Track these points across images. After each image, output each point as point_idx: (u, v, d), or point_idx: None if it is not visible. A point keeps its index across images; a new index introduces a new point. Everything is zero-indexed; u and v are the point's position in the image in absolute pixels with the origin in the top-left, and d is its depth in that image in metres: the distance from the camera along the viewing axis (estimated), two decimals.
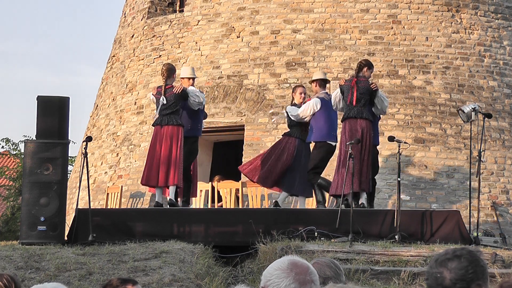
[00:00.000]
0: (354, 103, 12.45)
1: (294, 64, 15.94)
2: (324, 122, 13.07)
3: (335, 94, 12.84)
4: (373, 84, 12.81)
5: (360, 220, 11.54)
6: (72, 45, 66.36)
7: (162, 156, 12.46)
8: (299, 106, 13.30)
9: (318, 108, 13.02)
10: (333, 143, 13.04)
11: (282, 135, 13.54)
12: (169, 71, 12.77)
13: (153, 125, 12.89)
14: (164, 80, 12.73)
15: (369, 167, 12.32)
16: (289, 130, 13.40)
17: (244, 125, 15.87)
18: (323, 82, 13.38)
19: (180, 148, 12.53)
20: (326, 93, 13.33)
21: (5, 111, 59.27)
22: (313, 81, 13.50)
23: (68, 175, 15.88)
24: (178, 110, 12.74)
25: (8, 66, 63.50)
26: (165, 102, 12.53)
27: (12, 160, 28.08)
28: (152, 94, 12.87)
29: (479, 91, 16.05)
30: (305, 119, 13.13)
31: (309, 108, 13.07)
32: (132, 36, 18.35)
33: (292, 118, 13.24)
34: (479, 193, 12.19)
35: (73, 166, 21.27)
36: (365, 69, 12.78)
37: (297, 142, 13.14)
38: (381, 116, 13.40)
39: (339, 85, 12.83)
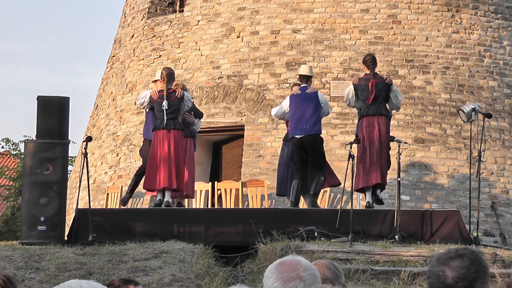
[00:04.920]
0: (371, 101, 12.43)
1: (294, 64, 15.94)
2: (295, 116, 12.98)
3: (348, 90, 12.77)
4: (388, 78, 12.81)
5: (360, 220, 11.54)
6: (72, 45, 66.40)
7: (173, 160, 12.49)
8: None
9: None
10: (298, 136, 12.84)
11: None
12: (170, 76, 12.79)
13: (157, 128, 12.67)
14: (165, 84, 12.71)
15: (386, 161, 12.37)
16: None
17: (244, 125, 15.87)
18: (304, 78, 13.21)
19: (183, 151, 12.69)
20: (305, 87, 13.17)
21: (5, 111, 59.29)
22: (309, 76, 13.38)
23: (68, 175, 15.88)
24: (180, 114, 12.83)
25: (8, 66, 63.53)
26: (167, 107, 12.54)
27: (12, 160, 28.08)
28: (151, 96, 12.79)
29: (479, 91, 16.05)
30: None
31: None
32: (132, 36, 18.35)
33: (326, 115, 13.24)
34: (479, 193, 12.19)
35: (73, 166, 21.27)
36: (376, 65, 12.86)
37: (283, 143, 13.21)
38: (392, 113, 13.39)
39: (353, 84, 12.75)
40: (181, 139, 12.66)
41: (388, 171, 12.72)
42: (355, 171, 12.22)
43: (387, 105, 12.72)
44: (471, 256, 3.53)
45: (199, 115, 13.74)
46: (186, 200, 14.07)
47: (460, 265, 3.49)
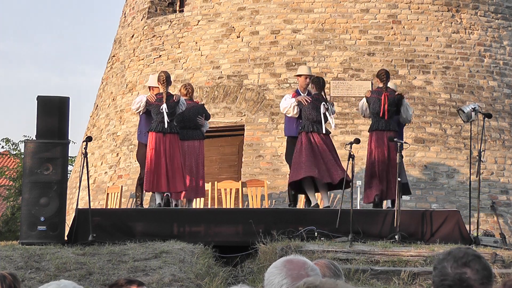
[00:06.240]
0: (381, 115, 12.51)
1: (294, 64, 15.94)
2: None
3: (362, 103, 12.90)
4: (398, 93, 12.87)
5: (360, 220, 11.54)
6: (72, 45, 66.41)
7: (170, 163, 12.54)
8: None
9: None
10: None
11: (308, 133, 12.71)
12: (168, 79, 12.86)
13: (154, 130, 12.68)
14: (164, 87, 12.75)
15: (395, 177, 12.32)
16: (319, 126, 12.66)
17: (244, 125, 15.88)
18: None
19: (179, 154, 12.71)
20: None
21: (5, 111, 59.30)
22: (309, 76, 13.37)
23: (68, 175, 15.88)
24: (175, 117, 12.86)
25: (9, 66, 63.55)
26: (167, 110, 12.57)
27: (12, 160, 28.08)
28: (148, 100, 12.81)
29: (479, 91, 16.05)
30: None
31: None
32: (132, 36, 18.35)
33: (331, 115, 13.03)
34: (479, 193, 12.19)
35: (73, 166, 21.27)
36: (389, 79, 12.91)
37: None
38: (405, 124, 13.38)
39: (366, 97, 12.84)
40: (177, 142, 12.70)
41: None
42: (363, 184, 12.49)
43: (399, 118, 12.80)
44: (484, 257, 3.55)
45: (208, 116, 13.76)
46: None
47: (480, 267, 3.49)
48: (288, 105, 12.73)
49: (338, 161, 12.59)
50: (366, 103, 12.80)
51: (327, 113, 12.58)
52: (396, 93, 12.80)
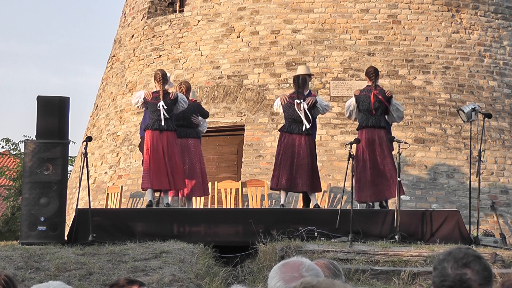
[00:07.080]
0: (373, 112, 12.49)
1: (294, 64, 15.93)
2: None
3: (349, 103, 12.83)
4: (388, 91, 12.85)
5: (360, 220, 11.54)
6: (72, 45, 66.42)
7: (168, 161, 12.54)
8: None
9: None
10: None
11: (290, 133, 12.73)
12: (164, 77, 12.87)
13: (150, 128, 12.68)
14: (161, 85, 12.76)
15: (392, 173, 12.30)
16: (298, 125, 12.69)
17: (244, 125, 15.87)
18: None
19: (177, 152, 12.71)
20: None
21: (5, 111, 59.30)
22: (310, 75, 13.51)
23: (68, 175, 15.88)
24: (173, 115, 12.85)
25: (9, 66, 63.54)
26: (165, 107, 12.57)
27: (12, 160, 28.09)
28: (145, 97, 12.81)
29: (479, 91, 16.05)
30: None
31: None
32: (132, 36, 18.35)
33: (325, 112, 13.11)
34: (479, 193, 12.19)
35: (73, 166, 21.28)
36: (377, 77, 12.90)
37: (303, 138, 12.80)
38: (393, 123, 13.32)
39: (355, 95, 12.79)
40: (174, 139, 12.70)
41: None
42: (354, 184, 12.34)
43: (386, 117, 12.76)
44: (484, 257, 3.54)
45: (205, 115, 13.69)
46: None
47: (481, 267, 3.48)
48: (276, 104, 12.95)
49: (312, 168, 12.56)
50: (355, 103, 12.73)
51: (299, 111, 12.54)
52: (386, 92, 12.78)
